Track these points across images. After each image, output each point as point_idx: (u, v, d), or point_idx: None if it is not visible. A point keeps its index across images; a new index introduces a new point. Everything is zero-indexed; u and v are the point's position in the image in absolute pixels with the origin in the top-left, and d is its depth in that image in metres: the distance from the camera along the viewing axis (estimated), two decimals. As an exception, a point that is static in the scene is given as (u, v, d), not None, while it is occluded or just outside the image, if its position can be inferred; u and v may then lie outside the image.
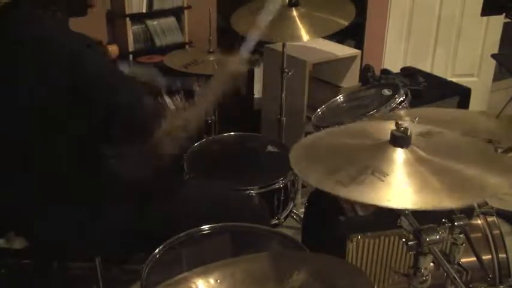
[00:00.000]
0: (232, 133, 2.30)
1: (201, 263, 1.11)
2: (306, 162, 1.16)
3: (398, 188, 1.02)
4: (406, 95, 2.03)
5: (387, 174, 1.04)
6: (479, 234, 1.65)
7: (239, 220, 1.54)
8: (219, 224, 1.52)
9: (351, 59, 2.88)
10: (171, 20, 2.99)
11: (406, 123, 1.13)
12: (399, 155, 1.09)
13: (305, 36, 2.20)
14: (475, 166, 1.09)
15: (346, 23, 2.23)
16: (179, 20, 3.01)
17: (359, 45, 3.43)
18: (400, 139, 1.11)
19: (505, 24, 3.76)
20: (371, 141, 1.15)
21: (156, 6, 2.90)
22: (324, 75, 3.00)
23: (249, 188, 1.91)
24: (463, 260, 1.20)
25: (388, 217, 1.14)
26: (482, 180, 1.05)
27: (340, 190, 1.03)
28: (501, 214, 1.90)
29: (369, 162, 1.08)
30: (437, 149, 1.13)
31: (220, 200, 1.71)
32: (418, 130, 1.19)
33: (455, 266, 1.17)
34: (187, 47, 3.00)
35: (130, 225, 1.54)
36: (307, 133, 2.75)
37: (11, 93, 1.41)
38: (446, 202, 0.99)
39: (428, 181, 1.03)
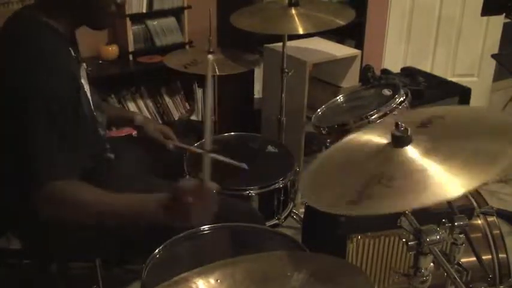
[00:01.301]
0: (232, 133, 2.30)
1: (201, 263, 1.11)
2: (316, 188, 1.17)
3: (408, 189, 1.02)
4: (406, 95, 2.03)
5: (393, 179, 1.04)
6: (479, 234, 1.65)
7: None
8: (219, 224, 1.52)
9: (351, 59, 2.88)
10: (171, 20, 2.99)
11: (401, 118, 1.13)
12: (403, 154, 1.09)
13: (301, 29, 2.21)
14: (482, 140, 1.09)
15: (343, 23, 2.24)
16: (179, 20, 3.01)
17: (359, 45, 3.43)
18: (401, 139, 1.10)
19: (505, 24, 3.75)
20: (374, 148, 1.15)
21: (156, 6, 2.90)
22: (324, 75, 3.00)
23: (248, 188, 1.91)
24: (463, 260, 1.20)
25: (388, 217, 1.14)
26: (492, 151, 1.04)
27: (354, 209, 1.03)
28: (501, 214, 1.90)
29: (374, 170, 1.08)
30: (440, 136, 1.13)
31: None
32: (418, 121, 1.18)
33: (455, 266, 1.17)
34: (187, 47, 3.00)
35: (130, 225, 1.53)
36: (307, 133, 2.76)
37: None
38: (462, 186, 0.97)
39: (438, 172, 1.02)
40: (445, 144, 1.10)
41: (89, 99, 1.55)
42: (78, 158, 1.41)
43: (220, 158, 1.72)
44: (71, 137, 1.38)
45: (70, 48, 1.50)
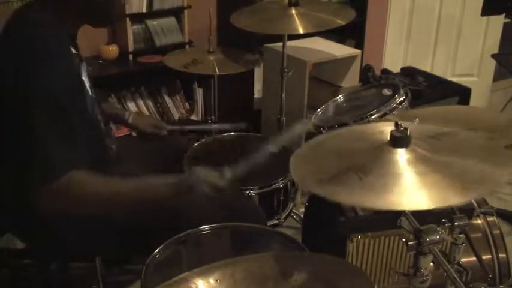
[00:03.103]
0: (232, 133, 2.30)
1: (201, 263, 1.11)
2: (301, 163, 1.19)
3: (375, 187, 1.03)
4: (406, 95, 2.03)
5: (369, 174, 1.05)
6: (479, 234, 1.65)
7: (238, 219, 1.54)
8: (219, 224, 1.52)
9: (351, 59, 2.88)
10: (171, 20, 2.99)
11: (408, 123, 1.13)
12: (395, 154, 1.09)
13: (301, 29, 2.21)
14: (477, 160, 1.09)
15: (343, 23, 2.25)
16: (179, 20, 3.00)
17: (359, 45, 3.43)
18: (399, 139, 1.10)
19: (505, 24, 3.75)
20: (372, 141, 1.15)
21: (156, 6, 2.90)
22: (324, 75, 3.00)
23: (249, 188, 1.91)
24: (463, 260, 1.20)
25: (388, 217, 1.14)
26: (485, 172, 1.06)
27: (320, 188, 1.06)
28: (501, 214, 1.90)
29: (358, 161, 1.10)
30: (438, 147, 1.13)
31: (220, 200, 1.71)
32: (427, 131, 1.18)
33: (455, 266, 1.17)
34: (187, 47, 3.00)
35: (130, 225, 1.54)
36: (307, 133, 2.75)
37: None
38: (453, 198, 0.99)
39: (430, 179, 1.03)
40: (439, 155, 1.10)
41: (90, 95, 1.55)
42: (82, 151, 1.40)
43: (221, 126, 1.77)
44: (76, 132, 1.38)
45: (71, 47, 1.50)
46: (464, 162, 1.09)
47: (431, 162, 1.08)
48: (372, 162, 1.09)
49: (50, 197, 1.32)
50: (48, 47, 1.39)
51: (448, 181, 1.03)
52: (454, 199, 1.00)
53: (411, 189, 1.03)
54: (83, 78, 1.53)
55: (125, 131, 2.66)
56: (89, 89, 1.55)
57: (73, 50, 1.51)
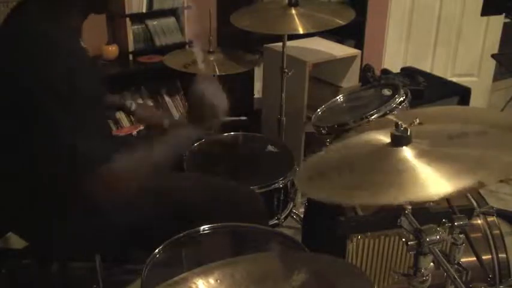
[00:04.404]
0: (232, 133, 2.30)
1: (201, 263, 1.11)
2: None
3: (420, 180, 1.03)
4: (406, 95, 2.03)
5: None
6: (479, 234, 1.65)
7: (240, 214, 1.54)
8: (219, 224, 1.52)
9: (351, 59, 2.88)
10: (171, 20, 2.99)
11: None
12: (405, 152, 1.11)
13: (301, 29, 2.21)
14: (477, 147, 1.11)
15: (343, 23, 2.25)
16: (179, 20, 3.01)
17: (359, 45, 3.43)
18: (400, 139, 1.11)
19: (505, 24, 3.75)
20: (372, 149, 1.17)
21: (156, 6, 2.90)
22: (324, 75, 3.00)
23: (248, 188, 1.91)
24: (463, 260, 1.20)
25: (388, 217, 1.14)
26: (490, 158, 1.06)
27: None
28: (501, 214, 1.90)
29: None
30: (437, 140, 1.14)
31: (223, 195, 1.70)
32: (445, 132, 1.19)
33: (455, 266, 1.17)
34: (187, 47, 3.00)
35: (130, 224, 1.54)
36: (307, 133, 2.75)
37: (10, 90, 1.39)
38: (469, 180, 0.99)
39: (438, 169, 1.04)
40: (441, 147, 1.11)
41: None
42: (111, 140, 1.46)
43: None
44: (103, 123, 1.45)
45: (80, 40, 1.50)
46: (466, 151, 1.10)
47: (434, 155, 1.09)
48: (376, 163, 1.10)
49: (95, 187, 1.34)
50: (73, 50, 1.40)
51: (456, 166, 1.04)
52: (465, 182, 1.00)
53: (422, 179, 1.03)
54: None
55: (125, 131, 2.67)
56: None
57: (82, 44, 1.51)
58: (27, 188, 1.50)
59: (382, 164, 1.11)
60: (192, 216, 1.52)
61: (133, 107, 1.92)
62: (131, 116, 2.00)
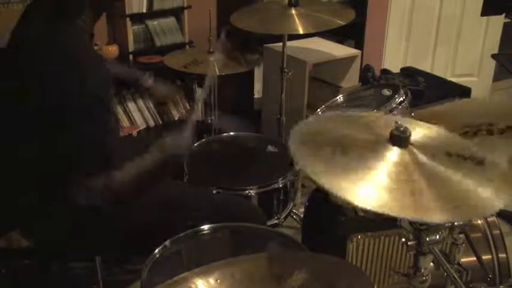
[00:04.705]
0: (232, 133, 2.30)
1: (201, 263, 1.11)
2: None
3: (389, 189, 1.00)
4: (406, 95, 2.03)
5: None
6: (479, 234, 1.65)
7: (237, 221, 1.55)
8: (219, 224, 1.52)
9: (351, 59, 2.88)
10: (171, 20, 2.99)
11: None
12: (396, 155, 1.08)
13: (301, 29, 2.21)
14: (470, 176, 1.06)
15: (343, 23, 2.25)
16: (179, 20, 3.00)
17: (359, 45, 3.43)
18: (398, 138, 1.10)
19: (505, 24, 3.75)
20: (372, 136, 1.14)
21: (156, 6, 2.90)
22: (324, 75, 3.00)
23: (249, 188, 1.91)
24: (463, 260, 1.20)
25: (388, 217, 1.14)
26: (476, 196, 1.02)
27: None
28: (501, 214, 1.90)
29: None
30: (434, 152, 1.12)
31: (219, 202, 1.71)
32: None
33: (455, 266, 1.17)
34: (187, 47, 3.00)
35: (130, 225, 1.54)
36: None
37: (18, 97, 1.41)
38: (435, 215, 0.95)
39: (419, 189, 1.00)
40: (436, 163, 1.07)
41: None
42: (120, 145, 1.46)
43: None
44: (115, 129, 1.46)
45: (92, 42, 1.51)
46: (459, 180, 1.05)
47: (423, 168, 1.04)
48: (367, 153, 1.07)
49: (103, 194, 1.37)
50: (85, 52, 1.41)
51: (431, 194, 0.99)
52: (431, 216, 0.96)
53: (395, 190, 0.99)
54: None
55: (125, 131, 2.67)
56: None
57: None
58: (33, 189, 1.50)
59: (372, 158, 1.06)
60: (187, 224, 1.51)
61: (149, 82, 1.91)
62: (145, 91, 1.96)
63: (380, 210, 0.94)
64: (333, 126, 1.22)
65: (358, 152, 1.09)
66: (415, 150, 1.09)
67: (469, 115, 1.44)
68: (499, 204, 0.99)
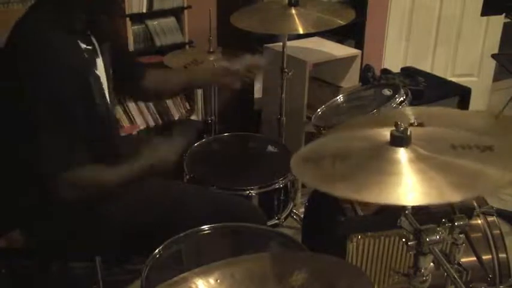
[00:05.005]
0: (232, 133, 2.30)
1: (201, 263, 1.11)
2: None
3: (404, 185, 1.03)
4: (406, 95, 2.03)
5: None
6: (479, 234, 1.65)
7: (237, 221, 1.55)
8: (219, 224, 1.52)
9: (351, 59, 2.88)
10: (171, 20, 2.99)
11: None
12: (401, 154, 1.09)
13: (301, 29, 2.21)
14: (477, 160, 1.09)
15: (343, 23, 2.25)
16: (179, 20, 3.00)
17: (359, 45, 3.43)
18: (399, 139, 1.11)
19: (505, 24, 3.75)
20: (370, 144, 1.16)
21: (156, 6, 2.89)
22: (324, 75, 3.00)
23: (249, 188, 1.91)
24: (463, 260, 1.20)
25: (388, 217, 1.14)
26: (484, 172, 1.06)
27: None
28: (501, 214, 1.90)
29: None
30: (438, 146, 1.13)
31: (219, 202, 1.71)
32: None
33: (455, 266, 1.17)
34: (187, 47, 3.00)
35: (130, 225, 1.54)
36: (307, 133, 2.75)
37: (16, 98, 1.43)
38: (451, 196, 1.00)
39: (432, 177, 1.03)
40: (439, 154, 1.10)
41: (103, 89, 1.57)
42: (90, 146, 1.48)
43: None
44: (83, 128, 1.46)
45: (79, 41, 1.51)
46: (465, 163, 1.08)
47: (430, 161, 1.08)
48: (369, 159, 1.10)
49: (60, 190, 1.43)
50: (51, 50, 1.42)
51: (446, 178, 1.03)
52: (452, 196, 1.01)
53: (409, 185, 1.03)
54: (98, 73, 1.54)
55: (125, 130, 2.67)
56: (103, 82, 1.57)
57: (83, 46, 1.51)
58: (27, 187, 1.50)
59: (374, 161, 1.10)
60: (187, 224, 1.52)
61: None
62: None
63: (405, 203, 1.01)
64: (335, 141, 1.26)
65: (358, 157, 1.11)
66: (417, 148, 1.10)
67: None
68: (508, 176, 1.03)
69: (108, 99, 1.59)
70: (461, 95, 3.19)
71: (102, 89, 1.55)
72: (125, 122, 2.89)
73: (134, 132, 2.50)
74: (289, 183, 2.02)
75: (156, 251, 1.41)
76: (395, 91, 2.06)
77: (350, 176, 1.07)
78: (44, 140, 1.40)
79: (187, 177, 2.00)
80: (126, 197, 1.56)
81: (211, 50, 2.45)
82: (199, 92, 3.14)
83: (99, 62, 1.56)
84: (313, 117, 2.17)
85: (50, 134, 1.40)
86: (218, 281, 1.06)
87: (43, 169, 1.42)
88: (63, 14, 1.46)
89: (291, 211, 2.15)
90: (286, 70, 2.50)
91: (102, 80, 1.55)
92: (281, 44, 2.48)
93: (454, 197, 1.01)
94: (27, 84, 1.39)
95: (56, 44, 1.42)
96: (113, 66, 1.63)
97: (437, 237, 1.08)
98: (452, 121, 1.45)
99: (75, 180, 1.43)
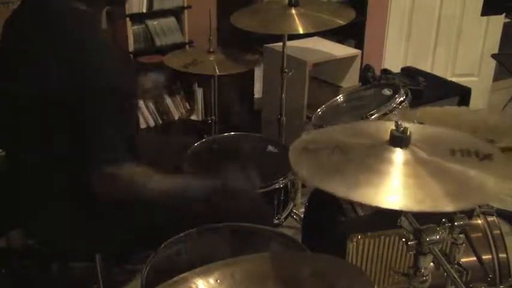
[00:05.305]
0: (232, 133, 2.30)
1: (201, 263, 1.11)
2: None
3: (396, 188, 1.02)
4: (406, 95, 2.03)
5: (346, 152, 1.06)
6: (479, 234, 1.65)
7: (241, 215, 1.54)
8: (219, 224, 1.52)
9: (351, 59, 2.88)
10: (171, 20, 2.99)
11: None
12: (398, 155, 1.09)
13: (301, 29, 2.21)
14: (475, 168, 1.08)
15: (343, 23, 2.25)
16: (179, 20, 3.01)
17: (359, 45, 3.43)
18: (399, 139, 1.10)
19: (505, 24, 3.75)
20: (372, 141, 1.15)
21: (156, 6, 2.90)
22: (324, 75, 3.00)
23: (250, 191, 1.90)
24: (463, 260, 1.20)
25: (388, 217, 1.14)
26: (482, 183, 1.05)
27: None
28: (501, 214, 1.90)
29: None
30: (437, 150, 1.13)
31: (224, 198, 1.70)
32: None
33: (455, 266, 1.17)
34: (187, 47, 3.00)
35: (130, 225, 1.54)
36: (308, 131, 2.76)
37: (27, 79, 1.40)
38: (445, 205, 0.98)
39: (426, 183, 1.02)
40: (438, 158, 1.09)
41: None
42: (131, 140, 1.46)
43: None
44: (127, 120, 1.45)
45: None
46: (463, 170, 1.08)
47: (426, 166, 1.07)
48: (366, 157, 1.09)
49: (99, 184, 1.37)
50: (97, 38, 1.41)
51: (441, 186, 1.02)
52: (444, 205, 0.99)
53: (400, 188, 1.02)
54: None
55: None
56: None
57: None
58: (35, 187, 1.50)
59: (370, 159, 1.09)
60: (192, 219, 1.51)
61: None
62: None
63: (396, 208, 0.98)
64: (330, 135, 1.25)
65: (356, 154, 1.10)
66: (416, 149, 1.09)
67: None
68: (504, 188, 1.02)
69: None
70: (461, 95, 3.19)
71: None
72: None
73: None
74: (289, 183, 2.02)
75: (156, 251, 1.41)
76: (395, 91, 2.06)
77: (343, 171, 1.06)
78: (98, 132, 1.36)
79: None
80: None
81: (211, 50, 2.45)
82: (200, 92, 3.15)
83: None
84: (313, 117, 2.16)
85: (102, 125, 1.36)
86: (218, 281, 1.06)
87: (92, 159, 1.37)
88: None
89: (291, 211, 2.15)
90: (286, 70, 2.50)
91: None
92: (281, 44, 2.48)
93: (446, 206, 0.98)
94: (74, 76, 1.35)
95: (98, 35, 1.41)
96: None
97: (437, 237, 1.08)
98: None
99: (116, 176, 1.38)
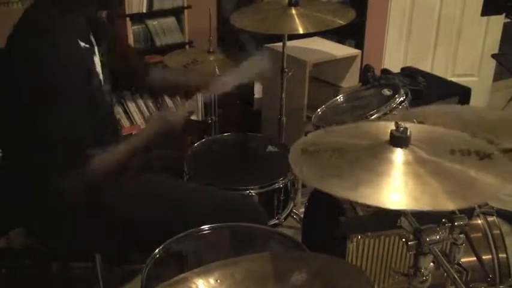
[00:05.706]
0: (232, 133, 2.30)
1: (201, 263, 1.11)
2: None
3: (397, 188, 1.02)
4: (406, 95, 2.03)
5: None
6: (479, 234, 1.65)
7: (239, 220, 1.55)
8: (219, 224, 1.52)
9: (351, 59, 2.88)
10: (171, 20, 2.99)
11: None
12: (398, 155, 1.09)
13: (301, 29, 2.21)
14: (475, 168, 1.08)
15: (343, 23, 2.25)
16: (179, 20, 3.01)
17: (359, 45, 3.43)
18: (399, 139, 1.10)
19: (505, 24, 3.75)
20: (372, 141, 1.15)
21: (156, 6, 2.90)
22: (324, 75, 3.00)
23: (249, 188, 1.91)
24: (463, 260, 1.20)
25: (388, 217, 1.14)
26: (482, 182, 1.04)
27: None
28: (501, 214, 1.90)
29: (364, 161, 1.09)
30: (437, 149, 1.13)
31: (220, 200, 1.71)
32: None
33: (455, 266, 1.17)
34: (187, 47, 3.00)
35: (130, 224, 1.54)
36: (308, 133, 2.75)
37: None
38: (445, 204, 0.98)
39: (426, 183, 1.02)
40: (438, 158, 1.09)
41: (102, 86, 1.57)
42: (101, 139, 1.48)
43: None
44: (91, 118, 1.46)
45: (78, 40, 1.51)
46: (463, 170, 1.07)
47: (426, 165, 1.06)
48: (366, 156, 1.09)
49: (77, 181, 1.40)
50: (56, 44, 1.41)
51: (441, 185, 1.01)
52: (444, 204, 0.99)
53: (400, 188, 1.02)
54: (97, 70, 1.54)
55: (125, 131, 2.67)
56: (102, 80, 1.57)
57: (82, 44, 1.51)
58: (29, 185, 1.50)
59: (370, 159, 1.08)
60: (188, 223, 1.52)
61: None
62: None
63: (397, 207, 0.97)
64: (330, 135, 1.25)
65: (355, 154, 1.10)
66: (416, 149, 1.09)
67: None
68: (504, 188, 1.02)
69: (108, 99, 1.59)
70: (461, 95, 3.19)
71: (101, 86, 1.56)
72: (125, 122, 2.89)
73: (134, 132, 2.49)
74: (289, 183, 2.02)
75: (156, 251, 1.41)
76: (395, 91, 2.06)
77: (343, 172, 1.06)
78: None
79: (187, 176, 2.00)
80: (127, 195, 1.56)
81: (211, 50, 2.45)
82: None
83: (97, 60, 1.56)
84: (313, 117, 2.17)
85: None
86: (218, 281, 1.06)
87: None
88: (74, 9, 1.46)
89: (291, 211, 2.15)
90: (286, 70, 2.51)
91: (100, 78, 1.56)
92: (281, 44, 2.48)
93: (446, 205, 0.98)
94: (27, 80, 1.39)
95: (59, 46, 1.42)
96: (113, 66, 1.63)
97: (437, 237, 1.08)
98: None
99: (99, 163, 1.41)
